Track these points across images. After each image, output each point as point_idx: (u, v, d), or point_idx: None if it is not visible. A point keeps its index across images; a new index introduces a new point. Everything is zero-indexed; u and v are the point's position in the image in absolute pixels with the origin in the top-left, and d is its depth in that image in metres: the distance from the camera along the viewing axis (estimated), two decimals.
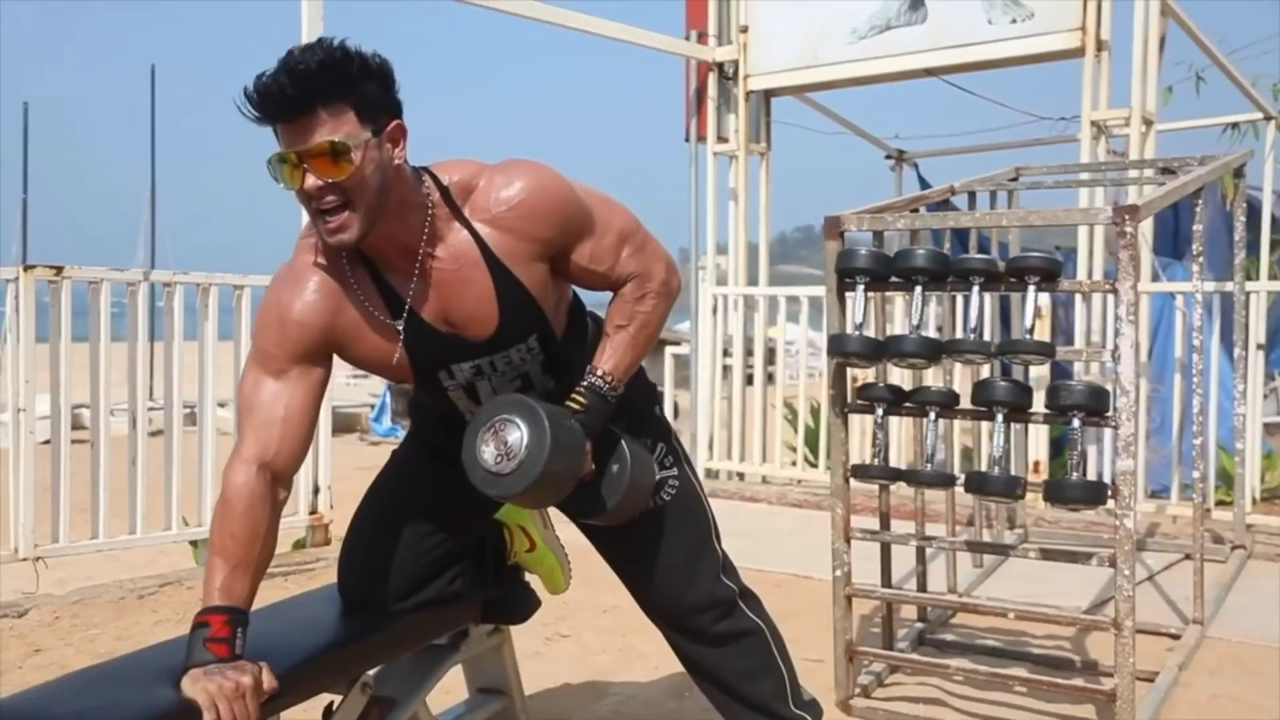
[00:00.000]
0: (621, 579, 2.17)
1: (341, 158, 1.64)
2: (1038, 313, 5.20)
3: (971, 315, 2.61)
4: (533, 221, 1.80)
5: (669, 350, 7.09)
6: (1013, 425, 2.65)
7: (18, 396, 3.75)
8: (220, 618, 1.64)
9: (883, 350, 2.67)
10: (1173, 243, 7.60)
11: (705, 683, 2.21)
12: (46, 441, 3.90)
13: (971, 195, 3.97)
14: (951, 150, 8.23)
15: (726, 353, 6.42)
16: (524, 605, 2.33)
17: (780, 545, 4.79)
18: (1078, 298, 5.46)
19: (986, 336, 3.16)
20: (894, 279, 2.72)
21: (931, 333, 4.36)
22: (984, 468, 2.80)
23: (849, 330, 2.70)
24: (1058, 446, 5.67)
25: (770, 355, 6.25)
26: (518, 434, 1.77)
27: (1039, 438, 5.35)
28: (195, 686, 1.57)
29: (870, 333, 2.76)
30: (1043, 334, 5.19)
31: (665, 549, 2.07)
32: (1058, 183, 3.97)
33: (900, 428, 5.29)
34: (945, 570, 3.72)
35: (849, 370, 2.83)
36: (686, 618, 2.10)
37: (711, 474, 6.36)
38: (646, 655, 3.30)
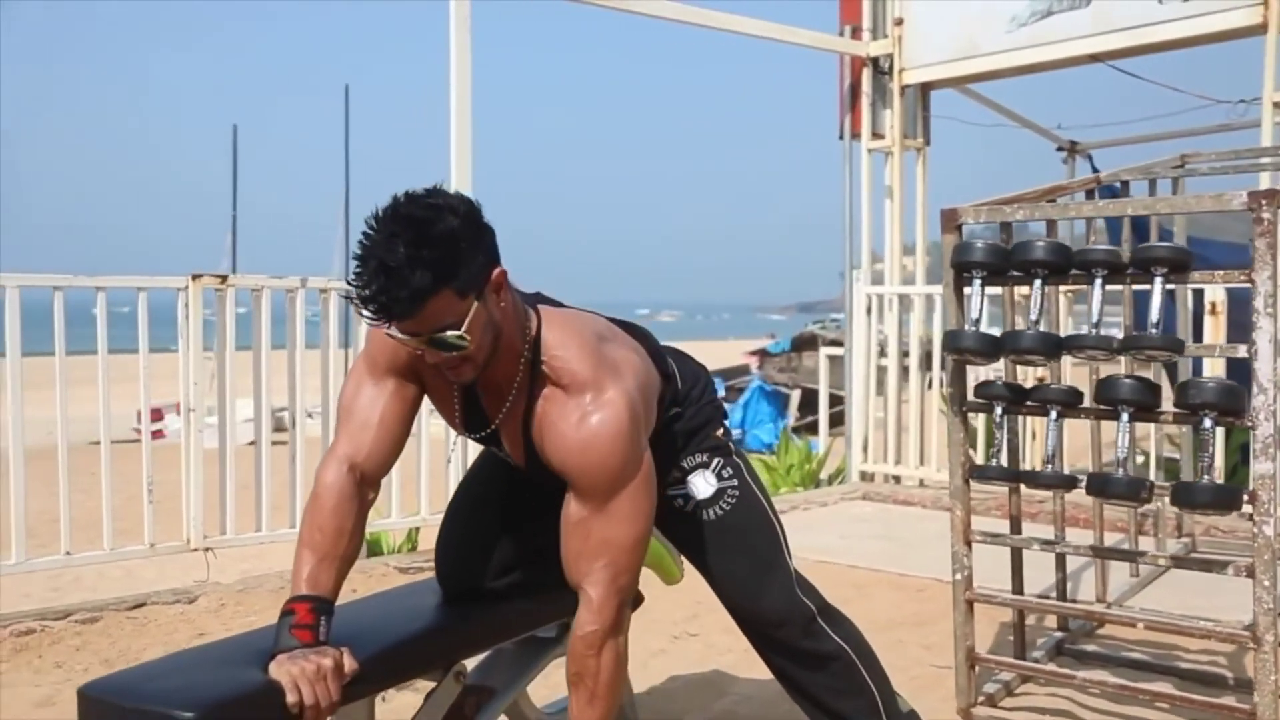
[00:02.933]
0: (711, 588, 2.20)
1: (454, 341, 1.71)
2: (1212, 309, 4.95)
3: (1092, 309, 2.48)
4: (561, 457, 1.83)
5: (824, 351, 6.99)
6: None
7: (187, 398, 4.02)
8: (305, 606, 1.73)
9: (1000, 346, 2.58)
10: None
11: (797, 696, 2.22)
12: (252, 442, 4.20)
13: (1125, 184, 3.76)
14: (1127, 140, 7.81)
15: (883, 353, 6.29)
16: None
17: (928, 550, 4.65)
18: None
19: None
20: (1013, 272, 2.62)
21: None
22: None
23: (966, 326, 2.62)
24: (1245, 453, 5.29)
25: (928, 357, 6.09)
26: None
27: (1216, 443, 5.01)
28: (280, 669, 1.66)
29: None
30: (1216, 331, 4.86)
31: (731, 560, 2.11)
32: (1213, 169, 3.71)
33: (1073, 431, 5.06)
34: (1094, 578, 3.55)
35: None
36: (767, 630, 2.14)
37: (866, 477, 6.24)
38: None
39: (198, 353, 4.06)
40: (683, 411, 2.10)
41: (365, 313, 1.67)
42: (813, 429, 11.01)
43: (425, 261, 1.63)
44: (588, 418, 1.79)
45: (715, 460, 2.11)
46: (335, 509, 1.82)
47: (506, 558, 2.14)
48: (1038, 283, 2.54)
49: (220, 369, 4.12)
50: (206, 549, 4.10)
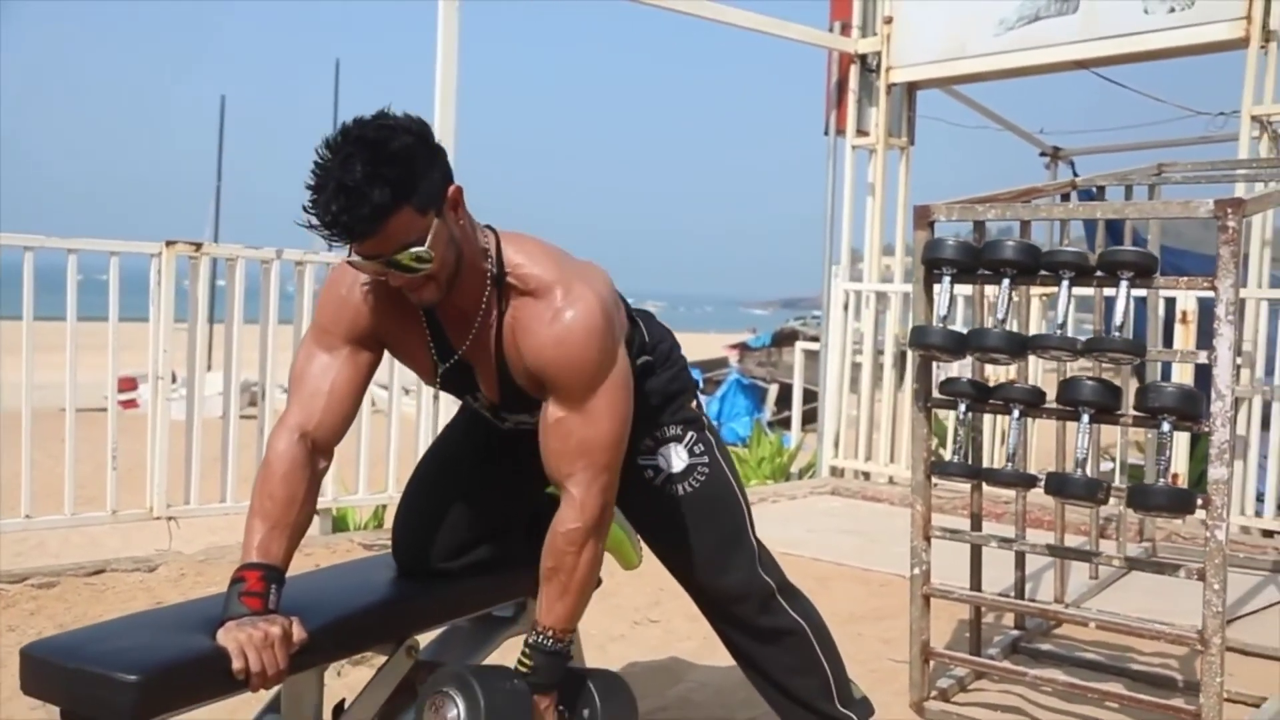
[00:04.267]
0: (666, 567, 2.20)
1: (418, 260, 1.71)
2: (1183, 317, 4.99)
3: (1059, 310, 2.49)
4: (536, 356, 1.83)
5: (800, 346, 7.01)
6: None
7: (156, 365, 4.00)
8: (255, 574, 1.72)
9: (965, 344, 2.59)
10: None
11: (752, 674, 2.22)
12: (222, 415, 4.18)
13: (1100, 189, 3.79)
14: (1110, 147, 7.84)
15: (859, 350, 6.31)
16: None
17: (893, 546, 4.67)
18: None
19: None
20: (982, 271, 2.63)
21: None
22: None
23: (934, 323, 2.63)
24: None
25: (903, 355, 6.10)
26: (454, 711, 1.82)
27: (1179, 450, 5.05)
28: (227, 636, 1.66)
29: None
30: (1187, 340, 4.90)
31: (697, 536, 2.10)
32: (1188, 179, 3.74)
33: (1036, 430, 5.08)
34: (1054, 579, 3.58)
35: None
36: (727, 606, 2.14)
37: (836, 472, 6.27)
38: None
39: (168, 320, 4.03)
40: (653, 363, 2.09)
41: (327, 235, 1.67)
42: (788, 424, 11.05)
43: (384, 179, 1.63)
44: (561, 314, 1.80)
45: (689, 434, 2.12)
46: (286, 477, 1.81)
47: (465, 538, 2.13)
48: (1005, 281, 2.56)
49: (191, 337, 4.10)
50: (169, 518, 4.08)
